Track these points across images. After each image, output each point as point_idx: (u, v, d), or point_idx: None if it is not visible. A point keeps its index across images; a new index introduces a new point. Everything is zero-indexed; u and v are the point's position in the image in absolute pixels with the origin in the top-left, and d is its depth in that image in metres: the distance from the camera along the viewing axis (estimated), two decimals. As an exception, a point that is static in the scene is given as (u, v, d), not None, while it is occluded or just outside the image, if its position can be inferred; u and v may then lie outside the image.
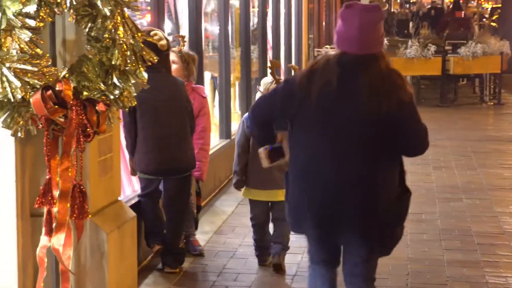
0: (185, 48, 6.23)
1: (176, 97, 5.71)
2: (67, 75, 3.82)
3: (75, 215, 3.93)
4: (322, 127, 3.90)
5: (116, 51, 3.87)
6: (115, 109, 4.00)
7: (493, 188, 8.62)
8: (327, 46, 16.58)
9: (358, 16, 3.85)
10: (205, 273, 5.82)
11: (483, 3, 34.85)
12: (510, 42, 17.06)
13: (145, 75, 4.04)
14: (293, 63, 14.50)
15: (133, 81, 3.99)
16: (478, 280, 5.70)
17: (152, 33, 5.52)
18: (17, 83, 3.56)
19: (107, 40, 3.86)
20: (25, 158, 4.03)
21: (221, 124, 9.05)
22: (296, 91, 3.95)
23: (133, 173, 5.84)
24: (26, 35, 3.56)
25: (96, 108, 3.84)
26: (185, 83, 5.92)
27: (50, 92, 3.65)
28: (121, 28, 3.85)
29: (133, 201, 5.88)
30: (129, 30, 3.91)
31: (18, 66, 3.56)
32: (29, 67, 3.59)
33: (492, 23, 26.35)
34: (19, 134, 3.76)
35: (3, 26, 3.52)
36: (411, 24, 21.50)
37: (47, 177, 3.86)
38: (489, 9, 33.83)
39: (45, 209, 3.90)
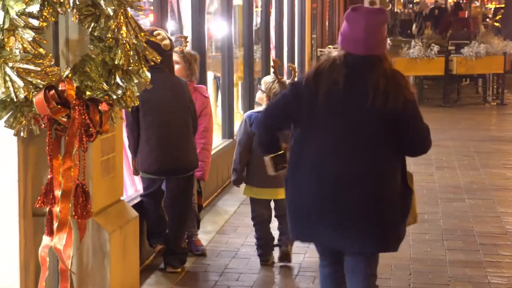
0: (187, 48, 6.23)
1: (179, 97, 5.71)
2: (70, 75, 3.83)
3: (77, 214, 3.93)
4: (330, 126, 4.02)
5: (119, 50, 3.87)
6: (118, 109, 4.01)
7: (496, 188, 8.62)
8: (330, 46, 16.58)
9: (364, 18, 3.98)
10: (207, 273, 5.83)
11: (486, 3, 34.83)
12: (513, 42, 17.06)
13: (148, 75, 4.04)
14: (296, 62, 14.50)
15: (136, 81, 3.99)
16: (481, 280, 5.70)
17: (155, 33, 5.53)
18: (20, 82, 3.56)
19: (110, 39, 3.86)
20: (27, 157, 4.03)
21: (223, 124, 9.05)
22: (303, 92, 4.06)
23: (136, 173, 5.85)
24: (29, 34, 3.56)
25: (99, 108, 3.84)
26: (187, 83, 5.92)
27: (53, 91, 3.66)
28: (124, 28, 3.85)
29: (135, 201, 5.88)
30: (132, 30, 3.91)
31: (21, 65, 3.57)
32: (32, 67, 3.59)
33: (495, 23, 26.34)
34: (22, 134, 3.76)
35: (6, 26, 3.53)
36: (414, 25, 21.50)
37: (49, 176, 3.87)
38: (492, 9, 33.82)
39: (47, 209, 3.91)
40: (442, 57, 15.72)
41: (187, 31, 7.85)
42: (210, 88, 8.91)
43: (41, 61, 3.63)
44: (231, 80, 9.24)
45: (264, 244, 5.97)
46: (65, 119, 3.77)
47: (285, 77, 10.29)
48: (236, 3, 10.05)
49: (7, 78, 3.55)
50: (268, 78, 5.97)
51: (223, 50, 9.15)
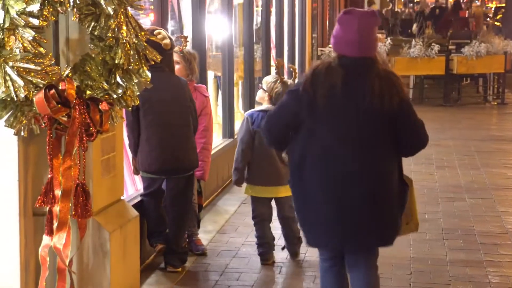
0: (186, 47, 6.23)
1: (180, 96, 5.71)
2: (70, 74, 3.83)
3: (77, 214, 3.93)
4: (329, 128, 4.13)
5: (119, 50, 3.87)
6: (118, 108, 4.01)
7: (496, 188, 8.61)
8: (331, 46, 16.56)
9: (357, 21, 4.10)
10: (208, 273, 5.82)
11: (487, 2, 34.83)
12: (514, 41, 17.05)
13: (148, 74, 4.04)
14: (296, 62, 14.50)
15: (136, 80, 3.99)
16: (481, 279, 5.69)
17: (155, 32, 5.52)
18: (20, 82, 3.56)
19: (110, 39, 3.87)
20: (28, 157, 4.03)
21: (224, 123, 9.05)
22: (301, 98, 4.15)
23: (136, 172, 5.85)
24: (29, 34, 3.56)
25: (99, 107, 3.84)
26: (187, 83, 5.92)
27: (53, 91, 3.66)
28: (124, 27, 3.85)
29: (136, 201, 5.88)
30: (133, 29, 3.91)
31: (21, 65, 3.57)
32: (32, 66, 3.59)
33: (496, 23, 26.33)
34: (22, 133, 3.76)
35: (6, 25, 3.53)
36: (415, 24, 21.49)
37: (49, 176, 3.87)
38: (493, 9, 33.81)
39: (47, 209, 3.91)
40: (442, 57, 15.71)
41: (188, 31, 7.85)
42: (211, 87, 8.91)
43: (41, 60, 3.63)
44: (232, 80, 9.23)
45: (264, 243, 5.97)
46: (65, 119, 3.77)
47: (285, 78, 10.28)
48: (236, 3, 10.04)
49: (7, 78, 3.55)
50: (270, 78, 5.99)
51: (224, 50, 9.15)
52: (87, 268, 4.39)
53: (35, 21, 3.57)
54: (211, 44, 9.15)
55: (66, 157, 3.82)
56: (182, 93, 5.73)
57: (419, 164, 9.55)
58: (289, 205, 5.71)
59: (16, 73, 3.55)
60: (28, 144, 4.02)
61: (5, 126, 3.72)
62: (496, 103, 16.56)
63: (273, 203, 6.04)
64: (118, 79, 3.90)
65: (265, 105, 5.89)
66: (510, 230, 6.98)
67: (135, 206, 5.44)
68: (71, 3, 3.72)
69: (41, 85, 3.63)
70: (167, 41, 5.56)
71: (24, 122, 3.72)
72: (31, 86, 3.61)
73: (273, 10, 12.62)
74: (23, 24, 3.54)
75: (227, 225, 7.06)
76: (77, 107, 3.76)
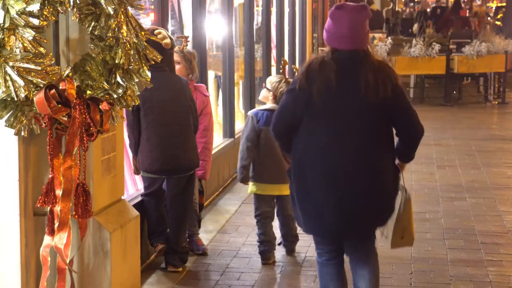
0: (186, 47, 6.23)
1: (180, 96, 5.71)
2: (70, 74, 3.82)
3: (78, 214, 3.93)
4: (327, 121, 4.24)
5: (120, 50, 3.87)
6: (119, 108, 4.01)
7: (497, 187, 8.61)
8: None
9: (349, 16, 4.22)
10: (208, 272, 5.82)
11: (488, 2, 34.82)
12: (515, 41, 17.04)
13: (149, 74, 4.04)
14: (297, 62, 14.49)
15: (136, 80, 3.99)
16: (482, 279, 5.69)
17: (156, 32, 5.52)
18: (20, 82, 3.56)
19: (111, 39, 3.86)
20: (28, 157, 4.03)
21: (224, 123, 9.05)
22: (299, 93, 4.26)
23: (137, 172, 5.84)
24: (29, 34, 3.56)
25: (100, 107, 3.84)
26: (188, 82, 5.92)
27: (53, 91, 3.66)
28: (124, 27, 3.85)
29: (136, 200, 5.88)
30: (133, 29, 3.91)
31: (22, 65, 3.56)
32: (32, 66, 3.59)
33: (496, 22, 26.31)
34: (23, 133, 3.76)
35: (6, 25, 3.52)
36: (416, 24, 21.46)
37: (50, 176, 3.86)
38: (493, 8, 33.78)
39: (48, 208, 3.90)
40: (443, 56, 15.70)
41: (188, 30, 7.85)
42: (211, 87, 8.91)
43: (41, 60, 3.63)
44: (232, 79, 9.23)
45: (266, 241, 5.98)
46: (65, 118, 3.77)
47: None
48: (237, 2, 10.04)
49: (8, 78, 3.55)
50: (274, 78, 6.08)
51: (224, 49, 9.15)
52: (88, 268, 4.39)
53: (35, 21, 3.57)
54: (212, 44, 9.15)
55: (67, 157, 3.81)
56: (183, 93, 5.73)
57: (419, 164, 9.55)
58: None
59: (16, 73, 3.55)
60: (29, 144, 4.02)
61: (5, 126, 3.72)
62: (497, 102, 16.55)
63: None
64: (119, 79, 3.90)
65: (269, 104, 5.95)
66: (511, 229, 6.97)
67: (136, 206, 5.44)
68: (71, 3, 3.72)
69: (41, 85, 3.63)
70: (167, 40, 5.56)
71: (24, 122, 3.72)
72: (32, 86, 3.61)
73: (274, 9, 12.62)
74: (23, 24, 3.54)
75: (227, 225, 7.06)
76: (77, 107, 3.76)
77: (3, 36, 3.53)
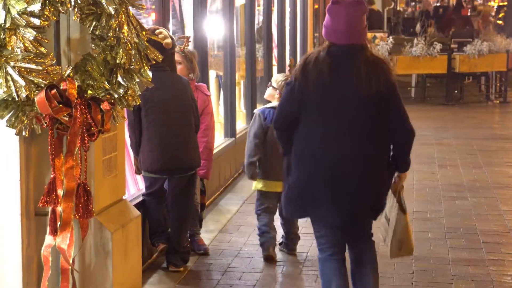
0: (188, 47, 6.24)
1: (181, 95, 5.71)
2: (71, 74, 3.82)
3: (79, 214, 3.93)
4: (322, 110, 4.36)
5: (121, 49, 3.87)
6: (120, 108, 4.01)
7: (499, 187, 8.61)
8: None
9: (345, 11, 4.34)
10: (210, 272, 5.82)
11: (489, 1, 34.78)
12: (516, 40, 17.03)
13: (150, 73, 4.04)
14: (298, 62, 14.48)
15: (137, 80, 3.99)
16: (483, 278, 5.69)
17: (157, 31, 5.52)
18: (21, 82, 3.56)
19: (112, 38, 3.86)
20: (29, 157, 4.03)
21: (226, 122, 9.05)
22: (296, 86, 4.39)
23: (138, 172, 5.85)
24: (30, 34, 3.56)
25: (101, 107, 3.84)
26: (189, 82, 5.93)
27: (54, 91, 3.65)
28: (125, 27, 3.85)
29: (137, 200, 5.88)
30: (134, 29, 3.90)
31: (23, 65, 3.56)
32: (33, 66, 3.59)
33: (498, 21, 26.29)
34: (24, 133, 3.76)
35: (7, 25, 3.52)
36: (418, 23, 21.45)
37: (52, 176, 3.86)
38: (495, 7, 33.74)
39: (49, 208, 3.90)
40: (444, 55, 15.70)
41: (189, 30, 7.84)
42: (212, 87, 8.90)
43: (42, 60, 3.63)
44: (233, 79, 9.23)
45: (268, 231, 6.03)
46: (66, 118, 3.77)
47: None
48: (238, 2, 10.03)
49: (9, 78, 3.55)
50: (280, 76, 6.22)
51: (225, 49, 9.15)
52: (89, 268, 4.38)
53: (36, 21, 3.57)
54: (213, 44, 9.15)
55: (68, 157, 3.81)
56: (184, 93, 5.73)
57: (421, 163, 9.55)
58: None
59: (17, 73, 3.55)
60: (30, 144, 4.02)
61: (6, 126, 3.72)
62: (498, 101, 16.55)
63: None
64: (120, 78, 3.90)
65: (275, 103, 6.01)
66: (512, 228, 6.98)
67: (137, 205, 5.45)
68: (72, 3, 3.72)
69: (42, 85, 3.63)
70: (168, 40, 5.56)
71: (25, 122, 3.72)
72: (33, 86, 3.61)
73: (275, 9, 12.62)
74: (24, 24, 3.54)
75: (229, 225, 7.06)
76: (78, 107, 3.75)
77: (4, 36, 3.53)
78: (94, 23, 3.83)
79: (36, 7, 3.55)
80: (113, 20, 3.81)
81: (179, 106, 5.69)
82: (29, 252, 4.05)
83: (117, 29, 3.82)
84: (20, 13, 3.52)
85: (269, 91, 6.17)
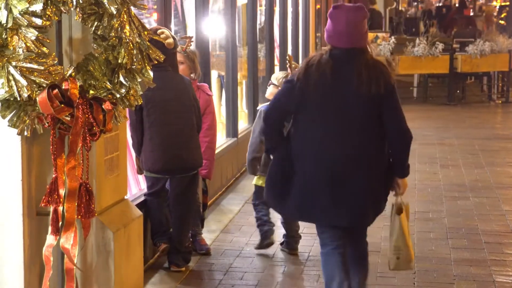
0: (190, 47, 6.23)
1: (183, 95, 5.71)
2: (73, 74, 3.82)
3: (81, 214, 3.93)
4: (322, 110, 4.42)
5: (123, 49, 3.87)
6: (122, 107, 4.01)
7: (501, 187, 8.60)
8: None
9: (345, 15, 4.44)
10: (212, 272, 5.82)
11: (491, 1, 34.76)
12: (518, 40, 17.01)
13: (151, 73, 4.04)
14: (300, 62, 14.49)
15: (139, 80, 3.99)
16: (485, 278, 5.68)
17: (159, 31, 5.52)
18: (23, 81, 3.56)
19: (114, 38, 3.86)
20: (31, 157, 4.03)
21: (228, 122, 9.05)
22: (296, 86, 4.46)
23: (140, 171, 5.85)
24: (32, 33, 3.56)
25: (103, 106, 3.84)
26: (191, 82, 5.92)
27: (56, 90, 3.66)
28: (127, 27, 3.85)
29: (139, 200, 5.88)
30: (136, 29, 3.90)
31: (25, 65, 3.57)
32: (35, 66, 3.59)
33: (500, 21, 26.27)
34: (26, 133, 3.76)
35: (9, 25, 3.53)
36: (421, 23, 21.44)
37: (54, 176, 3.87)
38: (497, 7, 33.71)
39: (51, 208, 3.90)
40: (446, 55, 15.69)
41: (191, 30, 7.84)
42: (214, 87, 8.90)
43: (44, 60, 3.63)
44: (235, 79, 9.23)
45: (267, 221, 6.08)
46: (68, 118, 3.77)
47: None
48: (240, 2, 10.03)
49: (11, 77, 3.55)
50: (280, 74, 6.24)
51: (227, 49, 9.15)
52: (91, 268, 4.39)
53: (38, 21, 3.57)
54: (215, 44, 9.15)
55: (70, 157, 3.81)
56: (186, 92, 5.73)
57: (423, 163, 9.54)
58: None
59: (19, 72, 3.55)
60: (32, 143, 4.02)
61: (8, 125, 3.72)
62: (500, 101, 16.53)
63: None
64: (121, 78, 3.90)
65: None
66: (514, 229, 6.97)
67: (139, 205, 5.45)
68: (74, 3, 3.72)
69: (44, 85, 3.63)
70: (170, 40, 5.56)
71: (27, 121, 3.72)
72: (34, 85, 3.61)
73: (277, 9, 12.62)
74: (26, 23, 3.54)
75: (231, 225, 7.06)
76: (80, 106, 3.76)
77: (6, 36, 3.54)
78: (96, 23, 3.83)
79: (38, 7, 3.56)
80: (115, 20, 3.81)
81: (181, 106, 5.69)
82: (30, 251, 4.05)
83: (119, 29, 3.83)
84: (22, 13, 3.53)
85: (270, 90, 6.17)
